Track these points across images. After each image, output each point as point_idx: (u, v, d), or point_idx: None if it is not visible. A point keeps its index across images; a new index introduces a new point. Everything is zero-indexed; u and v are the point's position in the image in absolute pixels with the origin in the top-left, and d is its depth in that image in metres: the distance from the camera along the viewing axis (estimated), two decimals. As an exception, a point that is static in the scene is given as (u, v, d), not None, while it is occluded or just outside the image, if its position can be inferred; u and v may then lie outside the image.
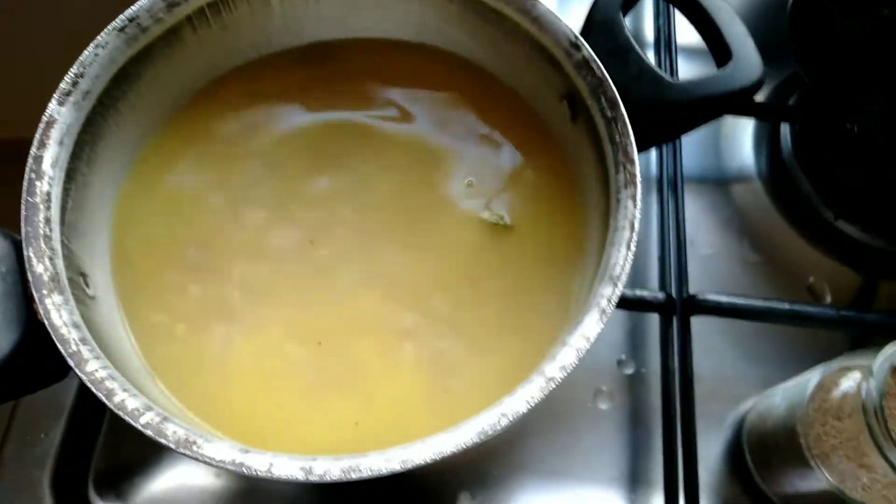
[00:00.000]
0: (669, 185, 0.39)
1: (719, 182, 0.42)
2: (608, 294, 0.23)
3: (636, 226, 0.24)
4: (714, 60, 0.29)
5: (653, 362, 0.36)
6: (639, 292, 0.35)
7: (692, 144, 0.43)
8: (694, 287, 0.36)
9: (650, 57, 0.45)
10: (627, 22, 0.47)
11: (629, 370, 0.37)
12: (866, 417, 0.27)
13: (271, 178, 0.30)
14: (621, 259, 0.24)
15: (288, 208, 0.30)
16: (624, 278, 0.23)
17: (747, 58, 0.27)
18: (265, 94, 0.32)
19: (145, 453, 0.32)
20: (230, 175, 0.30)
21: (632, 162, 0.25)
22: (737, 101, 0.27)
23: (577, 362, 0.22)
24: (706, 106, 0.27)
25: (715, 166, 0.43)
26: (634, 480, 0.34)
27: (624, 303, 0.35)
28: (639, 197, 0.25)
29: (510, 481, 0.34)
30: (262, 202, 0.30)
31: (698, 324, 0.36)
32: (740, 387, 0.37)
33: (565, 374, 0.22)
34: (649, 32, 0.46)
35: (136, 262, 0.28)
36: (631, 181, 0.25)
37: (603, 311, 0.23)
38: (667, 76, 0.27)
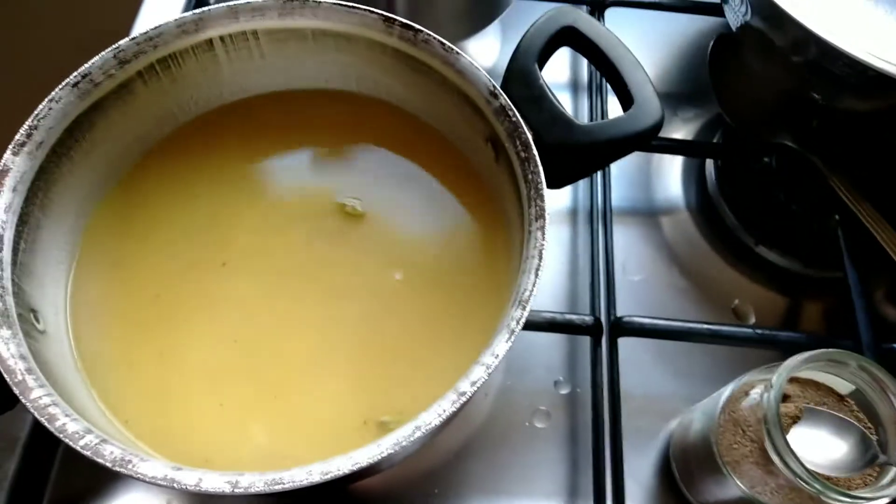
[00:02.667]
0: (599, 216, 0.42)
1: (650, 213, 0.45)
2: (517, 316, 0.25)
3: (544, 255, 0.27)
4: (620, 105, 0.32)
5: (587, 382, 0.39)
6: (569, 316, 0.37)
7: (624, 178, 0.46)
8: (624, 312, 0.39)
9: (584, 99, 0.49)
10: (566, 67, 0.51)
11: (565, 390, 0.39)
12: (766, 426, 0.29)
13: (215, 225, 0.33)
14: (530, 285, 0.26)
15: (230, 254, 0.32)
16: (532, 302, 0.26)
17: (647, 103, 0.30)
18: (212, 144, 0.34)
19: (99, 483, 0.34)
20: (178, 221, 0.32)
21: (541, 198, 0.28)
22: (638, 141, 0.30)
23: (486, 377, 0.24)
24: (611, 146, 0.30)
25: (645, 198, 0.46)
26: (571, 495, 0.36)
27: (555, 326, 0.37)
28: (547, 229, 0.27)
29: (451, 500, 0.35)
30: (210, 246, 0.32)
31: (629, 345, 0.38)
32: (669, 403, 0.39)
33: (475, 389, 0.24)
34: (585, 76, 0.50)
35: (89, 297, 0.30)
36: (540, 215, 0.28)
37: (512, 332, 0.25)
38: (576, 121, 0.30)
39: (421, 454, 0.35)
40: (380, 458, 0.22)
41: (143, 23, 0.49)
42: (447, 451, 0.36)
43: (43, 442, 0.34)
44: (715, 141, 0.48)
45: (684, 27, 0.54)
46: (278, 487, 0.21)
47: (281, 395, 0.28)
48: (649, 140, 0.30)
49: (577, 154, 0.30)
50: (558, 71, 0.51)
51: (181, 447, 0.27)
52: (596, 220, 0.42)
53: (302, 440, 0.27)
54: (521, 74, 0.31)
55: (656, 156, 0.47)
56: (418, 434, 0.23)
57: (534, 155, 0.29)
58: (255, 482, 0.21)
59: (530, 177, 0.28)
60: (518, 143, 0.29)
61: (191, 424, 0.28)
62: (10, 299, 0.25)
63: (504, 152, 0.30)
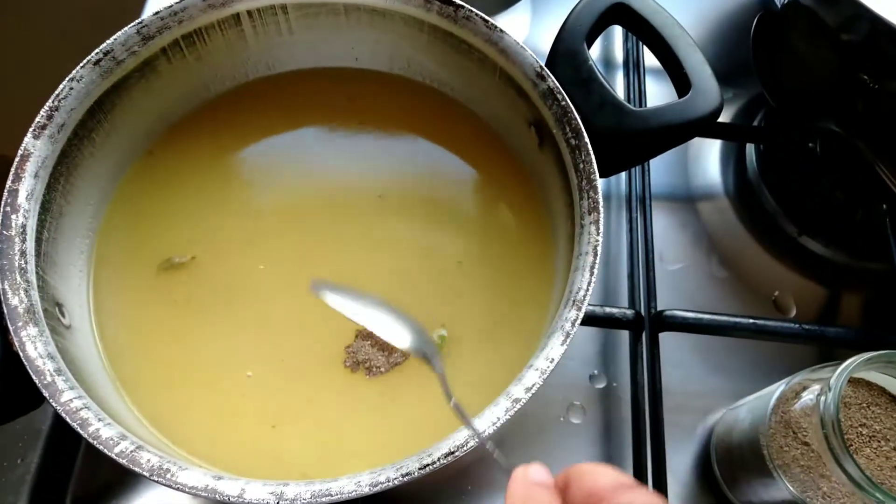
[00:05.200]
0: (638, 204, 0.40)
1: (688, 200, 0.44)
2: (572, 318, 0.24)
3: (599, 251, 0.25)
4: (675, 89, 0.30)
5: (624, 377, 0.37)
6: (608, 310, 0.36)
7: (661, 164, 0.44)
8: (663, 303, 0.37)
9: (619, 79, 0.46)
10: (598, 45, 0.49)
11: (601, 385, 0.38)
12: (824, 430, 0.28)
13: (250, 201, 0.31)
14: (584, 284, 0.24)
15: (264, 233, 0.31)
16: (587, 302, 0.24)
17: (705, 88, 0.28)
18: (240, 122, 0.32)
19: (122, 478, 0.33)
20: (208, 202, 0.31)
21: (595, 189, 0.26)
22: (695, 129, 0.28)
23: (541, 383, 0.22)
24: (666, 134, 0.28)
25: (683, 185, 0.44)
26: (607, 494, 0.35)
27: (594, 320, 0.36)
28: (601, 223, 0.25)
29: (484, 497, 0.34)
30: (242, 226, 0.30)
31: (668, 338, 0.37)
32: (709, 400, 0.38)
33: (530, 396, 0.22)
34: (619, 55, 0.48)
35: (114, 289, 0.29)
36: (594, 208, 0.26)
37: (567, 335, 0.24)
38: (629, 105, 0.28)
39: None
40: (432, 468, 0.21)
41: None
42: (480, 447, 0.35)
43: (66, 436, 0.33)
44: (756, 124, 0.46)
45: (725, 2, 0.51)
46: (326, 500, 0.20)
47: (314, 400, 0.27)
48: (707, 127, 0.28)
49: (630, 141, 0.29)
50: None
51: (213, 448, 0.26)
52: (635, 208, 0.40)
53: (341, 445, 0.26)
54: (569, 55, 0.30)
55: (694, 139, 0.45)
56: (472, 443, 0.21)
57: (586, 143, 0.27)
58: (301, 493, 0.20)
59: (582, 166, 0.27)
60: (568, 129, 0.27)
61: (222, 421, 0.26)
62: (35, 294, 0.23)
63: (550, 138, 0.29)
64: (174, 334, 0.28)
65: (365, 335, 0.28)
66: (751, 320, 0.36)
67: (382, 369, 0.27)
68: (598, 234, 0.25)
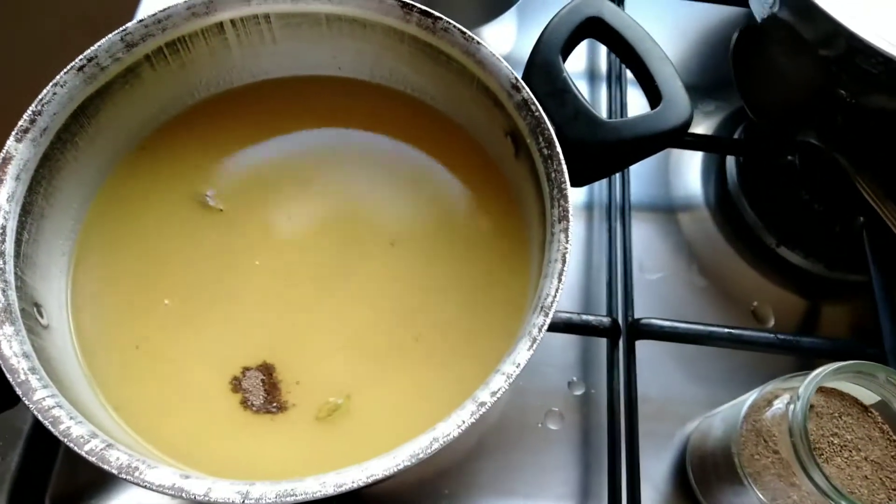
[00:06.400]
0: (618, 212, 0.41)
1: (668, 210, 0.44)
2: (539, 323, 0.24)
3: (567, 259, 0.25)
4: (647, 101, 0.30)
5: (602, 384, 0.38)
6: (585, 317, 0.36)
7: (642, 175, 0.45)
8: (642, 312, 0.38)
9: (603, 91, 0.47)
10: (583, 57, 0.49)
11: (579, 391, 0.38)
12: (792, 438, 0.28)
13: (231, 202, 0.31)
14: (553, 290, 0.25)
15: (246, 243, 0.31)
16: (554, 308, 0.25)
17: (676, 100, 0.29)
18: (225, 128, 0.33)
19: (103, 476, 0.33)
20: (185, 208, 0.31)
21: (565, 198, 0.27)
22: (666, 140, 0.29)
23: (506, 387, 0.23)
24: (638, 144, 0.29)
25: (664, 196, 0.45)
26: (584, 497, 0.35)
27: (572, 328, 0.36)
28: (571, 231, 0.26)
29: (462, 501, 0.34)
30: (218, 232, 0.31)
31: (647, 347, 0.37)
32: (687, 408, 0.38)
33: (496, 399, 0.23)
34: (604, 68, 0.49)
35: (93, 291, 0.29)
36: (564, 216, 0.26)
37: (534, 339, 0.24)
38: (601, 116, 0.29)
39: (433, 455, 0.35)
40: (395, 470, 0.21)
41: (147, 5, 0.47)
42: (459, 452, 0.35)
43: (46, 434, 0.33)
44: (736, 136, 0.46)
45: (706, 16, 0.52)
46: (290, 499, 0.20)
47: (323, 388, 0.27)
48: (678, 139, 0.29)
49: (602, 152, 0.29)
50: (575, 60, 0.49)
51: (187, 448, 0.26)
52: (614, 218, 0.41)
53: (315, 446, 0.26)
54: (544, 67, 0.30)
55: (675, 151, 0.46)
56: (436, 445, 0.22)
57: (557, 152, 0.27)
58: (267, 493, 0.20)
59: (553, 175, 0.27)
60: (541, 139, 0.28)
61: (198, 424, 0.27)
62: (12, 294, 0.24)
63: (525, 148, 0.29)
64: (151, 337, 0.29)
65: (266, 369, 0.28)
66: (726, 329, 0.36)
67: (253, 408, 0.27)
68: (566, 242, 0.26)
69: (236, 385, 0.28)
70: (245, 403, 0.27)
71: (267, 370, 0.28)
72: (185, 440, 0.26)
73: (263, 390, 0.28)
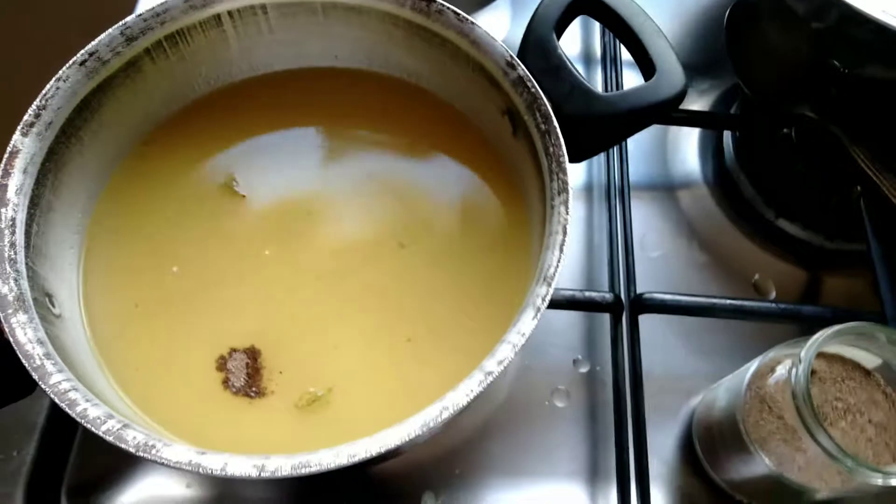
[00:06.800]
0: (617, 192, 0.41)
1: (667, 187, 0.45)
2: (542, 293, 0.25)
3: (568, 230, 0.26)
4: (641, 74, 0.31)
5: (607, 361, 0.38)
6: (588, 294, 0.37)
7: (640, 154, 0.45)
8: (644, 288, 0.38)
9: (598, 73, 0.47)
10: (577, 40, 0.50)
11: (584, 369, 0.38)
12: (796, 402, 0.28)
13: (233, 199, 0.32)
14: (555, 261, 0.25)
15: (251, 231, 0.32)
16: (556, 278, 0.25)
17: (670, 71, 0.29)
18: (227, 122, 0.34)
19: (118, 466, 0.33)
20: (194, 200, 0.32)
21: (563, 171, 0.27)
22: (661, 112, 0.29)
23: (512, 356, 0.23)
24: (633, 117, 0.29)
25: (662, 172, 0.45)
26: (592, 473, 0.36)
27: (575, 304, 0.37)
28: (570, 202, 0.26)
29: (472, 480, 0.35)
30: (221, 221, 0.31)
31: (649, 322, 0.38)
32: (691, 381, 0.38)
33: (502, 368, 0.23)
34: (598, 50, 0.49)
35: (103, 282, 0.30)
36: (563, 189, 0.27)
37: (538, 309, 0.24)
38: (596, 90, 0.29)
39: (441, 434, 0.35)
40: (407, 438, 0.22)
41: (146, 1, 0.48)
42: (467, 432, 0.36)
43: (61, 427, 0.33)
44: (732, 112, 0.47)
45: (700, -5, 0.52)
46: (305, 471, 0.21)
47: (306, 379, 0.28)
48: (672, 109, 0.29)
49: (599, 126, 0.29)
50: (570, 42, 0.49)
51: (200, 430, 0.26)
52: (613, 196, 0.41)
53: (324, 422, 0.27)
54: (538, 44, 0.31)
55: (672, 129, 0.46)
56: (446, 414, 0.22)
57: (554, 127, 0.28)
58: (282, 465, 0.21)
59: (551, 150, 0.28)
60: (538, 115, 0.28)
61: (181, 397, 0.27)
62: (24, 283, 0.24)
63: (523, 125, 0.30)
64: (161, 325, 0.29)
65: (252, 353, 0.28)
66: (728, 301, 0.36)
67: (233, 389, 0.28)
68: (566, 214, 0.26)
69: (221, 364, 0.28)
70: (226, 383, 0.28)
71: (252, 354, 0.28)
72: (171, 412, 0.27)
73: (245, 373, 0.28)
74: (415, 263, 0.31)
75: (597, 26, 0.50)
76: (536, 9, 0.31)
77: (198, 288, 0.30)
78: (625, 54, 0.47)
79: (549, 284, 0.25)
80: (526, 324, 0.24)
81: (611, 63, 0.46)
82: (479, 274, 0.30)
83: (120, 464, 0.33)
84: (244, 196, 0.32)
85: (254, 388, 0.28)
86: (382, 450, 0.22)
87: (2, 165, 0.26)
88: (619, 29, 0.31)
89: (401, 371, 0.28)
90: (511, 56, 0.29)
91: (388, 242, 0.31)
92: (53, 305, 0.26)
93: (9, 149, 0.26)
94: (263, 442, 0.27)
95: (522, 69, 0.29)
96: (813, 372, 0.31)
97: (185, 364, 0.28)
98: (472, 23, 0.30)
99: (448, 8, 0.30)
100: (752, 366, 0.32)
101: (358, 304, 0.30)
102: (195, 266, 0.30)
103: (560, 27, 0.31)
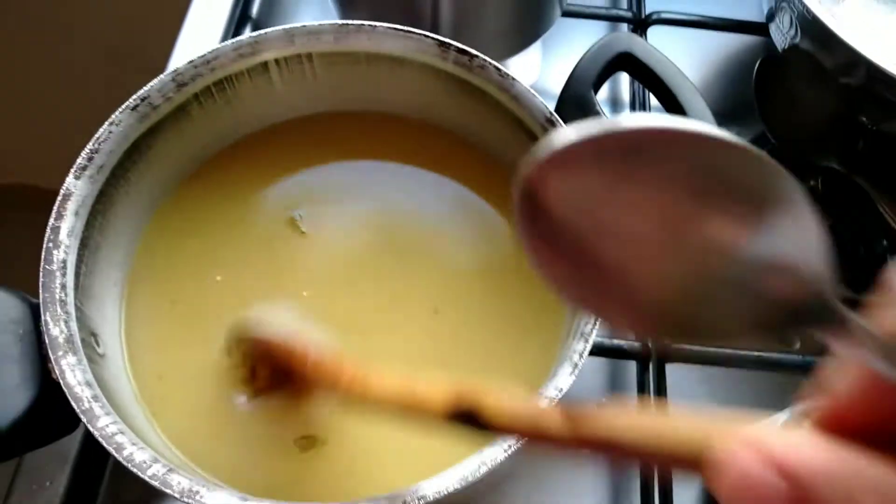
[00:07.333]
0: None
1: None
2: (580, 349, 0.25)
3: (604, 286, 0.26)
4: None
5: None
6: (616, 341, 0.37)
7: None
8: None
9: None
10: (605, 87, 0.50)
11: (609, 416, 0.38)
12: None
13: (274, 236, 0.33)
14: (592, 318, 0.26)
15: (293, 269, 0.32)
16: (594, 335, 0.25)
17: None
18: (268, 161, 0.34)
19: (147, 499, 0.34)
20: (235, 240, 0.32)
21: (600, 228, 0.27)
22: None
23: (550, 414, 0.23)
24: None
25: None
26: (615, 522, 0.36)
27: (602, 351, 0.37)
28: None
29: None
30: (268, 259, 0.32)
31: (676, 370, 0.38)
32: (715, 431, 0.38)
33: (540, 426, 0.23)
34: (626, 97, 0.50)
35: (144, 320, 0.30)
36: (600, 245, 0.27)
37: (575, 365, 0.25)
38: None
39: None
40: (446, 492, 0.22)
41: (184, 44, 0.49)
42: (490, 474, 0.36)
43: (93, 457, 0.34)
44: (759, 162, 0.47)
45: (728, 44, 0.53)
46: (346, 523, 0.21)
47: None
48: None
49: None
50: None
51: (240, 474, 0.27)
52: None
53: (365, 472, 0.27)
54: (577, 101, 0.31)
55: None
56: (484, 469, 0.22)
57: (592, 183, 0.28)
58: (323, 517, 0.21)
59: (588, 206, 0.28)
60: (575, 170, 0.29)
61: (249, 449, 0.27)
62: (73, 324, 0.25)
63: (559, 179, 0.30)
64: (202, 365, 0.30)
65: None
66: (753, 353, 0.37)
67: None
68: (603, 271, 0.26)
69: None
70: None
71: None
72: (243, 468, 0.27)
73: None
74: (448, 327, 0.31)
75: (625, 75, 0.50)
76: (576, 66, 0.31)
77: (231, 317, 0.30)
78: (653, 102, 0.47)
79: (587, 340, 0.25)
80: (563, 379, 0.24)
81: (639, 110, 0.47)
82: (512, 327, 0.31)
83: (150, 496, 0.34)
84: (304, 232, 0.32)
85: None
86: (421, 502, 0.22)
87: (55, 208, 0.27)
88: (657, 88, 0.31)
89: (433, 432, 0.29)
90: (551, 112, 0.30)
91: (424, 306, 0.31)
92: (98, 345, 0.27)
93: (61, 192, 0.27)
94: (301, 485, 0.27)
95: (561, 126, 0.30)
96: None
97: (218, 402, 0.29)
98: (514, 78, 0.30)
99: (490, 63, 0.31)
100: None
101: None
102: (234, 299, 0.31)
103: (598, 84, 0.32)
